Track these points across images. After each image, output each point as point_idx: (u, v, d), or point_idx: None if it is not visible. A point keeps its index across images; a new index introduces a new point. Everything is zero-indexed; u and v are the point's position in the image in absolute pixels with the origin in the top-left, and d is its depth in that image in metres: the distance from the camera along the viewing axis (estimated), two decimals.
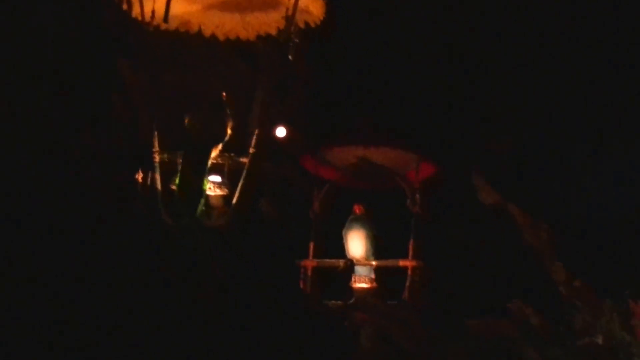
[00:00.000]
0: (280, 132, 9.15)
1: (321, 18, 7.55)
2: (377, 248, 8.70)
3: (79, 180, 8.31)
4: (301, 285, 8.53)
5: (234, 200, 8.43)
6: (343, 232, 8.76)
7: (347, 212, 8.87)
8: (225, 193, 8.64)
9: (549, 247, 8.03)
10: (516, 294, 7.13)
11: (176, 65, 9.18)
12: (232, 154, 8.66)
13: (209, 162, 8.49)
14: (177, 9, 7.53)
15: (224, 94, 8.60)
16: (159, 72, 9.10)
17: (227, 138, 8.57)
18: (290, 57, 8.52)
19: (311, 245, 8.70)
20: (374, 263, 8.60)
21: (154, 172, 8.53)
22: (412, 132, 8.97)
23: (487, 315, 7.13)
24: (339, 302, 8.22)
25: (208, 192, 8.55)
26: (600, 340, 5.75)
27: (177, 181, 8.46)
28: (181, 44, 8.59)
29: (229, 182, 8.60)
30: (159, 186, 8.47)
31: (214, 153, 8.56)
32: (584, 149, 9.30)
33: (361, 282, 8.50)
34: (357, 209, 8.78)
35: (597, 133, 9.33)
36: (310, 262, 8.63)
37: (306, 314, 7.84)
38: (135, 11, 7.61)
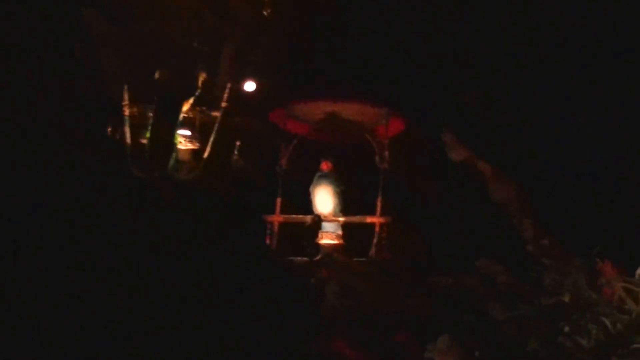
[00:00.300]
0: (249, 86, 9.10)
1: None
2: (345, 204, 8.65)
3: (46, 129, 8.24)
4: (267, 241, 8.51)
5: (205, 154, 8.50)
6: (310, 188, 8.72)
7: (315, 168, 8.84)
8: (196, 147, 8.67)
9: (518, 204, 7.99)
10: (485, 251, 7.05)
11: (145, 16, 9.00)
12: (204, 108, 8.69)
13: (180, 116, 8.48)
14: None
15: (194, 46, 8.61)
16: (126, 22, 8.93)
17: (198, 92, 8.55)
18: (265, 12, 8.41)
19: (278, 201, 8.64)
20: (341, 219, 8.57)
21: (123, 126, 8.53)
22: (382, 87, 8.87)
23: (455, 272, 6.94)
24: (305, 258, 8.20)
25: (179, 146, 8.58)
26: (567, 299, 5.66)
27: (147, 135, 8.46)
28: None
29: (199, 136, 8.63)
30: (128, 140, 8.48)
31: (185, 107, 8.54)
32: (555, 103, 9.22)
33: (328, 238, 8.46)
34: (325, 165, 8.74)
35: (568, 88, 9.25)
36: (277, 218, 8.60)
37: (272, 270, 7.96)
38: None
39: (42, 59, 8.83)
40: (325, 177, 8.69)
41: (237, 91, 8.81)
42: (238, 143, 8.88)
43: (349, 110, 8.73)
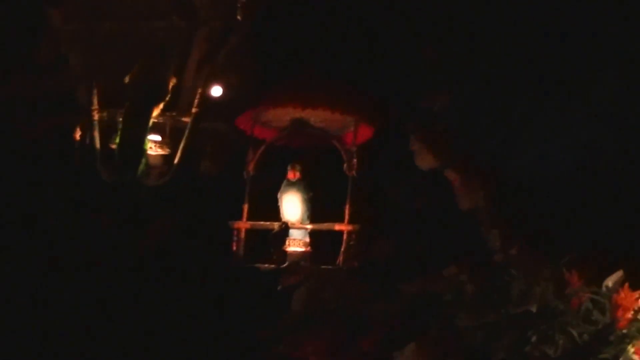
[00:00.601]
0: (216, 91, 9.07)
1: None
2: (313, 211, 8.67)
3: (12, 132, 8.19)
4: (234, 248, 8.46)
5: (176, 160, 8.51)
6: (278, 195, 8.72)
7: (283, 173, 8.81)
8: (166, 152, 8.69)
9: (486, 213, 8.04)
10: (453, 259, 7.07)
11: (113, 17, 8.94)
12: (174, 113, 8.71)
13: (150, 121, 8.49)
14: None
15: (164, 49, 8.67)
16: (93, 23, 8.86)
17: (168, 96, 8.55)
18: (239, 17, 8.43)
19: (245, 207, 8.59)
20: (309, 227, 8.59)
21: (93, 130, 8.53)
22: (350, 94, 8.82)
23: (422, 280, 7.08)
24: (273, 265, 8.21)
25: (149, 152, 8.58)
26: (534, 309, 5.67)
27: (117, 140, 8.44)
28: None
29: (170, 142, 8.65)
30: (98, 144, 8.48)
31: (156, 112, 8.54)
32: (523, 107, 9.24)
33: (295, 245, 8.47)
34: (292, 174, 8.73)
35: (536, 91, 9.28)
36: (243, 224, 8.55)
37: (238, 277, 7.92)
38: None
39: (6, 59, 8.75)
40: (292, 184, 8.67)
41: (205, 96, 8.79)
42: (208, 149, 8.85)
43: (317, 116, 8.67)
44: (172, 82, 8.48)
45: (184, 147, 8.41)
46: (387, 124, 9.07)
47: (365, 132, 8.82)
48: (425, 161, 8.67)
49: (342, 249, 8.24)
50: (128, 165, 8.27)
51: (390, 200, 8.78)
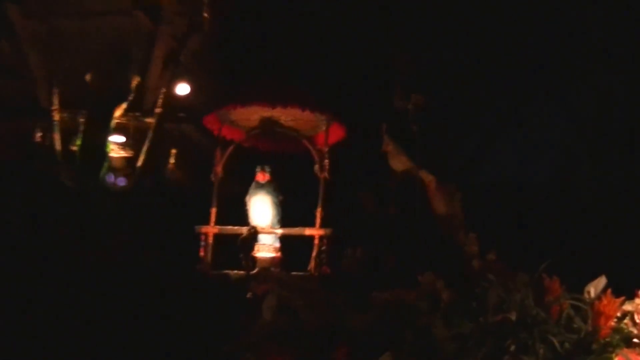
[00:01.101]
0: (182, 89, 9.01)
1: None
2: (283, 215, 8.50)
3: None
4: (201, 253, 8.26)
5: (139, 163, 8.48)
6: (246, 199, 8.54)
7: (252, 176, 8.63)
8: (129, 155, 8.66)
9: (463, 217, 7.93)
10: (428, 265, 6.91)
11: (74, 14, 8.80)
12: (137, 114, 8.69)
13: (113, 122, 8.43)
14: None
15: (127, 47, 8.66)
16: (53, 20, 8.71)
17: (131, 97, 8.51)
18: (205, 14, 8.34)
19: (213, 211, 8.41)
20: (279, 231, 8.42)
21: (53, 132, 8.44)
22: (322, 93, 8.71)
23: (396, 287, 6.79)
24: (241, 271, 8.04)
25: (111, 154, 8.54)
26: (513, 317, 5.54)
27: (78, 142, 8.39)
28: None
29: (133, 143, 8.65)
30: (58, 146, 8.40)
31: (118, 112, 8.34)
32: (500, 109, 9.18)
33: (265, 251, 8.29)
34: (261, 177, 8.55)
35: (514, 92, 9.21)
36: (211, 229, 8.36)
37: (206, 284, 7.86)
38: None
39: None
40: (262, 187, 8.49)
41: (170, 95, 8.75)
42: (174, 151, 8.69)
43: (286, 115, 8.52)
44: (136, 81, 8.28)
45: (147, 149, 8.33)
46: (360, 124, 8.98)
47: (337, 133, 8.69)
48: (399, 163, 8.61)
49: (314, 255, 8.09)
50: (89, 169, 8.21)
51: (363, 204, 8.66)
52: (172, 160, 8.83)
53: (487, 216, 7.78)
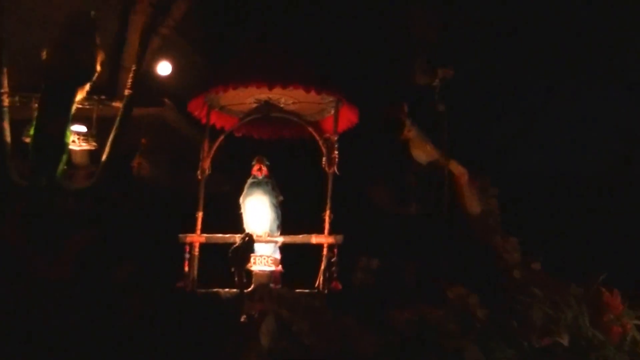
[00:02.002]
0: (163, 68, 9.05)
1: None
2: (284, 220, 8.39)
3: None
4: (186, 268, 8.17)
5: (104, 157, 8.28)
6: (240, 200, 8.45)
7: (246, 172, 8.55)
8: (93, 147, 8.61)
9: (499, 217, 7.96)
10: (457, 276, 6.93)
11: None
12: (103, 97, 8.57)
13: (73, 108, 8.19)
14: None
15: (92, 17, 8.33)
16: None
17: (95, 76, 8.27)
18: None
19: (199, 216, 8.33)
20: (279, 239, 8.32)
21: (2, 120, 8.35)
22: (329, 69, 8.61)
23: (418, 304, 7.03)
24: (234, 289, 7.92)
25: (72, 147, 8.43)
26: (565, 340, 5.47)
27: (31, 131, 8.21)
28: None
29: (97, 134, 8.52)
30: (8, 137, 8.28)
31: (80, 96, 8.31)
32: (542, 83, 9.18)
33: (263, 263, 8.18)
34: (259, 170, 8.45)
35: (558, 66, 9.24)
36: (197, 238, 8.29)
37: (192, 305, 7.75)
38: None
39: None
40: (258, 185, 8.42)
41: (144, 74, 8.68)
42: (144, 141, 8.62)
43: (287, 97, 8.49)
44: (101, 59, 8.25)
45: (114, 140, 8.19)
46: (375, 106, 9.00)
47: (349, 117, 8.63)
48: (422, 152, 8.63)
49: (321, 268, 7.94)
50: (45, 164, 7.99)
51: (379, 204, 8.67)
52: (144, 154, 8.80)
53: (530, 216, 7.74)
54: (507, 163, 8.66)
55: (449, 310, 6.51)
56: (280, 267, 8.27)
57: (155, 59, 8.98)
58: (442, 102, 8.85)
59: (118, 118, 8.27)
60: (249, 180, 8.44)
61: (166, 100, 9.31)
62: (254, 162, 8.43)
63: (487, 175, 8.25)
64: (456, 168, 8.35)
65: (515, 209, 7.71)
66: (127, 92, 8.29)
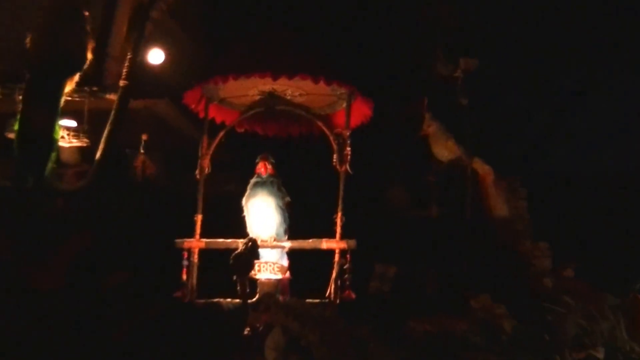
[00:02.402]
0: (156, 56, 9.07)
1: None
2: (292, 223, 8.39)
3: None
4: (183, 276, 8.17)
5: (98, 155, 8.20)
6: (243, 201, 8.44)
7: (250, 171, 8.55)
8: (84, 144, 8.67)
9: (528, 220, 7.96)
10: (482, 285, 6.88)
11: None
12: (95, 88, 8.64)
13: (62, 100, 8.13)
14: None
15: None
16: None
17: (87, 65, 8.23)
18: None
19: (198, 219, 8.32)
20: (286, 244, 8.33)
21: None
22: (340, 58, 8.65)
23: (439, 315, 7.04)
24: (237, 300, 7.90)
25: (61, 143, 8.43)
26: (601, 355, 5.44)
27: (15, 126, 8.18)
28: None
29: (89, 129, 8.59)
30: None
31: (69, 87, 8.25)
32: (575, 76, 9.19)
33: (268, 271, 8.16)
34: (263, 168, 8.43)
35: (591, 58, 9.24)
36: (196, 243, 8.29)
37: (191, 317, 7.78)
38: None
39: None
40: (263, 185, 8.41)
41: (139, 64, 8.66)
42: (145, 138, 8.61)
43: (294, 89, 8.49)
44: (91, 46, 8.23)
45: (108, 136, 8.11)
46: (391, 99, 9.04)
47: (362, 111, 8.64)
48: (444, 149, 8.67)
49: (333, 275, 7.95)
50: (32, 163, 7.96)
51: (396, 206, 8.67)
52: (141, 151, 8.74)
53: (562, 219, 7.73)
54: (537, 161, 8.66)
55: (473, 322, 6.53)
56: (287, 275, 8.25)
57: (146, 46, 8.95)
58: (465, 94, 8.86)
59: (113, 112, 8.22)
60: (253, 180, 8.42)
61: (159, 92, 9.34)
62: (257, 160, 8.42)
63: (515, 174, 8.25)
64: (480, 167, 8.38)
65: (546, 212, 7.69)
66: (122, 82, 8.27)
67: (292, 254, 8.34)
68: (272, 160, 8.41)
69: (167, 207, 8.76)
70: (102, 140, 8.23)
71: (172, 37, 9.21)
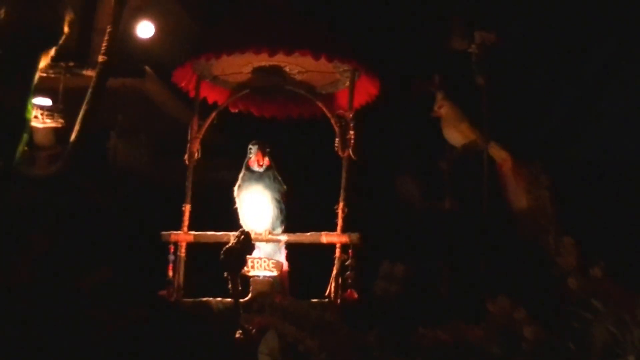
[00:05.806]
0: (145, 30, 9.07)
1: None
2: (289, 215, 8.38)
3: None
4: (170, 273, 8.12)
5: (73, 136, 8.10)
6: (235, 191, 8.44)
7: (243, 157, 8.52)
8: (59, 125, 8.66)
9: (552, 212, 7.86)
10: (501, 286, 6.95)
11: None
12: (71, 64, 8.68)
13: (35, 76, 7.99)
14: None
15: None
16: None
17: (63, 39, 8.11)
18: None
19: (186, 209, 8.29)
20: (282, 238, 8.31)
21: None
22: (343, 32, 8.56)
23: (452, 319, 6.84)
24: (228, 299, 7.75)
25: (33, 123, 8.42)
26: None
27: None
28: None
29: (64, 108, 8.58)
30: None
31: (43, 62, 8.13)
32: (604, 53, 9.09)
33: (262, 268, 8.11)
34: (259, 159, 8.38)
35: (621, 34, 9.17)
36: (183, 236, 8.23)
37: (177, 318, 7.77)
38: None
39: None
40: (259, 178, 8.36)
41: (122, 38, 8.57)
42: (120, 119, 8.50)
43: (293, 66, 8.47)
44: (69, 18, 8.13)
45: (85, 116, 7.96)
46: (400, 76, 9.08)
47: (368, 90, 8.59)
48: (457, 133, 8.70)
49: (334, 273, 7.92)
50: (1, 145, 7.75)
51: (404, 196, 8.54)
52: (121, 134, 8.83)
53: (590, 212, 7.64)
54: (562, 147, 8.61)
55: (489, 328, 6.35)
56: (284, 272, 8.23)
57: (134, 18, 8.95)
58: (482, 72, 8.78)
59: (90, 90, 8.09)
60: (246, 169, 8.38)
61: (147, 68, 9.33)
62: (251, 148, 8.38)
63: (537, 161, 8.17)
64: (498, 152, 8.39)
65: (572, 203, 7.61)
66: (101, 58, 8.24)
67: (288, 249, 8.30)
68: (268, 149, 8.37)
69: (150, 196, 8.77)
70: (78, 120, 8.20)
71: (161, 8, 9.25)
